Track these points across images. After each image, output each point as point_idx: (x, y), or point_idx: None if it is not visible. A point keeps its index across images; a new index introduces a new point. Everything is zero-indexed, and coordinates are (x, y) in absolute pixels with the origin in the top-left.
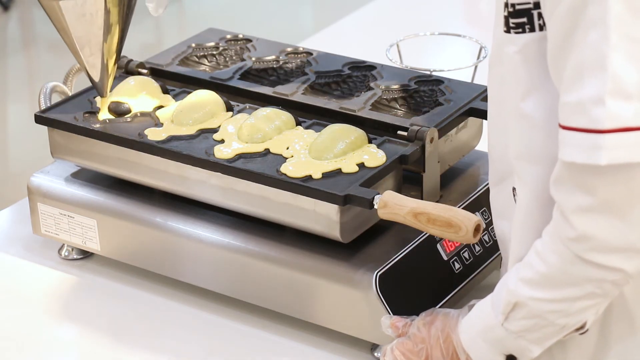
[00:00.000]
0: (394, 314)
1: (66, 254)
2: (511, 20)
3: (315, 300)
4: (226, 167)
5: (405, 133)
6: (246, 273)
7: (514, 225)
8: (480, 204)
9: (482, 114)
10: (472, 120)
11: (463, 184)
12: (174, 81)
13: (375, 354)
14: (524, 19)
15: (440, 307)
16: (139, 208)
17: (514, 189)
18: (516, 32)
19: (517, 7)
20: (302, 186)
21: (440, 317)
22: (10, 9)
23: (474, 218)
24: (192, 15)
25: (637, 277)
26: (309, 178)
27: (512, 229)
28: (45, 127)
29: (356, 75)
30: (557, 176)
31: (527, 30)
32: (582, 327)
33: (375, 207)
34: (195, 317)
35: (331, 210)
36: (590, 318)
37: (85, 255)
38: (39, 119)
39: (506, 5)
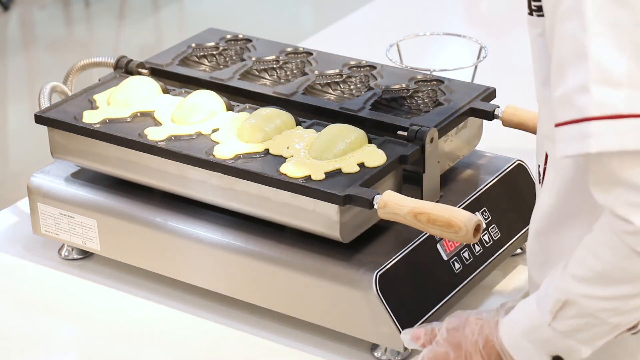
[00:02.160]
0: (393, 314)
1: (66, 254)
2: (533, 3)
3: (315, 300)
4: (226, 167)
5: (405, 133)
6: (246, 273)
7: (539, 201)
8: (480, 204)
9: (482, 114)
10: (472, 120)
11: (463, 184)
12: (174, 81)
13: (375, 354)
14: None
15: (439, 307)
16: (139, 208)
17: (538, 166)
18: (538, 15)
19: None
20: (302, 186)
21: (474, 320)
22: (10, 9)
23: (474, 218)
24: (192, 15)
25: None
26: (308, 178)
27: (537, 205)
28: (45, 127)
29: (356, 75)
30: (592, 179)
31: None
32: (635, 327)
33: (375, 207)
34: (195, 317)
35: (331, 210)
36: None
37: (85, 255)
38: (39, 119)
39: None
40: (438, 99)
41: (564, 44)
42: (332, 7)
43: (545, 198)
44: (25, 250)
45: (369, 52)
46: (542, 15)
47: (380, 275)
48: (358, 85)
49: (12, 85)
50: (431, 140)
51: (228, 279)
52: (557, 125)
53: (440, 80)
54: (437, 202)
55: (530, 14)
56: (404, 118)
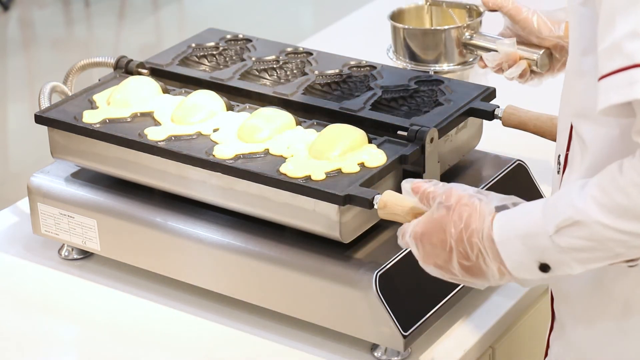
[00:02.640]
0: (393, 314)
1: (66, 254)
2: None
3: (315, 300)
4: (226, 167)
5: (405, 133)
6: (246, 273)
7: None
8: None
9: (482, 114)
10: (472, 120)
11: (463, 184)
12: (174, 81)
13: (375, 354)
14: None
15: (439, 308)
16: (139, 208)
17: (559, 156)
18: None
19: None
20: (302, 186)
21: (465, 205)
22: (10, 9)
23: None
24: (192, 15)
25: None
26: (308, 178)
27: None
28: (45, 127)
29: (356, 75)
30: (637, 126)
31: None
32: (633, 260)
33: (375, 207)
34: (195, 317)
35: (331, 210)
36: None
37: (85, 255)
38: (39, 119)
39: None
40: (438, 98)
41: None
42: (332, 7)
43: (575, 179)
44: (25, 250)
45: (369, 52)
46: None
47: (380, 275)
48: (358, 85)
49: (12, 85)
50: (431, 140)
51: (228, 279)
52: (602, 78)
53: (440, 80)
54: None
55: None
56: (404, 118)
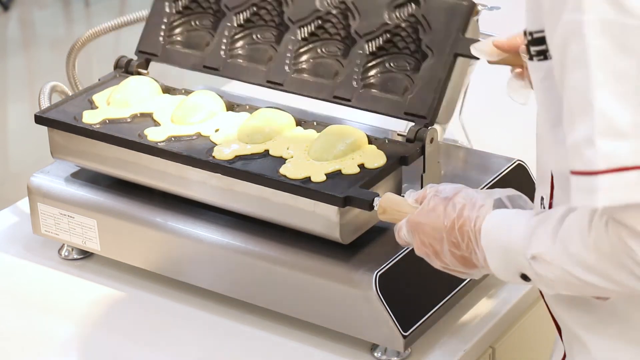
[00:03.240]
0: (393, 314)
1: (66, 254)
2: (532, 48)
3: (315, 300)
4: (226, 169)
5: (404, 133)
6: (246, 273)
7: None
8: None
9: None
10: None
11: (464, 184)
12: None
13: (375, 354)
14: (544, 46)
15: (439, 308)
16: (139, 208)
17: (542, 198)
18: (539, 60)
19: (535, 35)
20: (302, 188)
21: (459, 198)
22: (10, 9)
23: None
24: None
25: None
26: (308, 179)
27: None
28: (45, 127)
29: (332, 21)
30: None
31: (549, 57)
32: (600, 297)
33: (375, 209)
34: (195, 317)
35: (331, 212)
36: (612, 297)
37: (85, 255)
38: (39, 119)
39: (525, 33)
40: (421, 39)
41: (572, 93)
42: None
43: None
44: (25, 250)
45: None
46: (543, 59)
47: (380, 275)
48: (337, 42)
49: (12, 85)
50: (431, 141)
51: (228, 279)
52: (571, 172)
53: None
54: None
55: (531, 59)
56: (398, 99)
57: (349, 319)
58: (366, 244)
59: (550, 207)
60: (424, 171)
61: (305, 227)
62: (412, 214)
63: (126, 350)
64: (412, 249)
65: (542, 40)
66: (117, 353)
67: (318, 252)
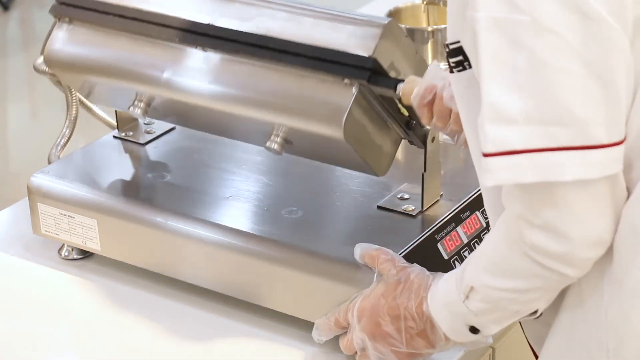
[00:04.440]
0: None
1: (66, 254)
2: (450, 60)
3: (315, 300)
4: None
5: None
6: (247, 273)
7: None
8: (480, 203)
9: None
10: None
11: (463, 183)
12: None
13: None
14: (461, 57)
15: None
16: (140, 208)
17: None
18: (459, 71)
19: (451, 46)
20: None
21: (417, 276)
22: (10, 9)
23: None
24: None
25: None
26: None
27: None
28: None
29: None
30: (504, 188)
31: (468, 67)
32: (535, 313)
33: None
34: (196, 316)
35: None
36: (541, 306)
37: (85, 255)
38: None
39: (444, 45)
40: None
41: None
42: (332, 7)
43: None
44: (25, 250)
45: None
46: (462, 70)
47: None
48: None
49: (12, 85)
50: (432, 140)
51: (228, 278)
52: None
53: None
54: (437, 201)
55: (452, 71)
56: None
57: None
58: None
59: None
60: (425, 170)
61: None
62: (363, 298)
63: (127, 350)
64: (413, 248)
65: (458, 51)
66: (118, 353)
67: (318, 251)
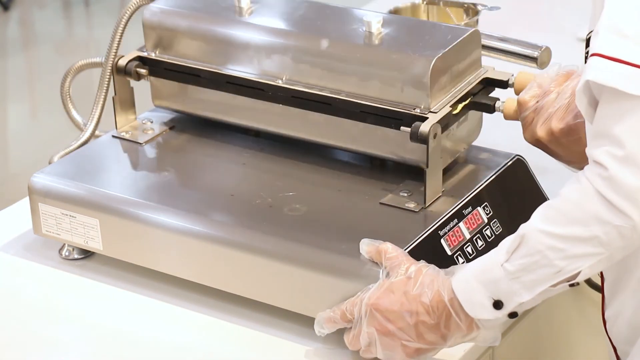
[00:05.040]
0: None
1: (67, 253)
2: (586, 50)
3: (321, 296)
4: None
5: (408, 129)
6: (252, 271)
7: None
8: (481, 199)
9: (483, 107)
10: (472, 114)
11: (464, 179)
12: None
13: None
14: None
15: None
16: (142, 207)
17: None
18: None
19: (587, 36)
20: None
21: (428, 272)
22: (10, 9)
23: None
24: None
25: None
26: None
27: None
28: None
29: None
30: (588, 136)
31: None
32: (574, 278)
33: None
34: (198, 315)
35: None
36: (585, 270)
37: (86, 255)
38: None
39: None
40: None
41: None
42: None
43: None
44: (25, 250)
45: None
46: None
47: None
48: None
49: (12, 85)
50: (434, 136)
51: (232, 276)
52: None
53: None
54: (439, 197)
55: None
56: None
57: None
58: (371, 239)
59: None
60: (427, 167)
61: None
62: (370, 295)
63: (127, 350)
64: (417, 244)
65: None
66: (118, 353)
67: (323, 247)
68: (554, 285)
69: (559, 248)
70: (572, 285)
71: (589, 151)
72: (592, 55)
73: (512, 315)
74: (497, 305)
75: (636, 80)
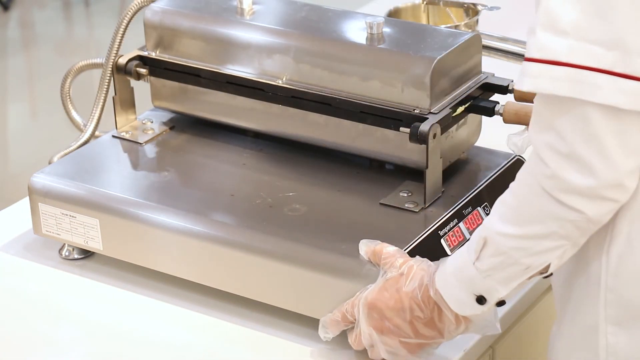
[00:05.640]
0: None
1: (67, 253)
2: None
3: (321, 297)
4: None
5: (407, 130)
6: (252, 271)
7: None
8: (481, 199)
9: (482, 110)
10: (471, 117)
11: (464, 179)
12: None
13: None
14: None
15: None
16: (142, 207)
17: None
18: None
19: None
20: None
21: (420, 267)
22: (10, 9)
23: None
24: None
25: (598, 222)
26: None
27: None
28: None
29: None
30: (531, 119)
31: None
32: (546, 270)
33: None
34: (198, 315)
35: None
36: (554, 262)
37: (86, 254)
38: None
39: None
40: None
41: None
42: (332, 7)
43: None
44: (25, 250)
45: None
46: None
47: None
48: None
49: (12, 85)
50: (434, 137)
51: (232, 276)
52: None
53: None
54: (439, 197)
55: None
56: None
57: None
58: (371, 239)
59: None
60: (426, 167)
61: None
62: (368, 293)
63: (127, 350)
64: (417, 244)
65: None
66: (118, 353)
67: (322, 247)
68: (528, 278)
69: (522, 247)
70: (546, 276)
71: (531, 136)
72: (529, 59)
73: (499, 303)
74: (480, 300)
75: (580, 84)
